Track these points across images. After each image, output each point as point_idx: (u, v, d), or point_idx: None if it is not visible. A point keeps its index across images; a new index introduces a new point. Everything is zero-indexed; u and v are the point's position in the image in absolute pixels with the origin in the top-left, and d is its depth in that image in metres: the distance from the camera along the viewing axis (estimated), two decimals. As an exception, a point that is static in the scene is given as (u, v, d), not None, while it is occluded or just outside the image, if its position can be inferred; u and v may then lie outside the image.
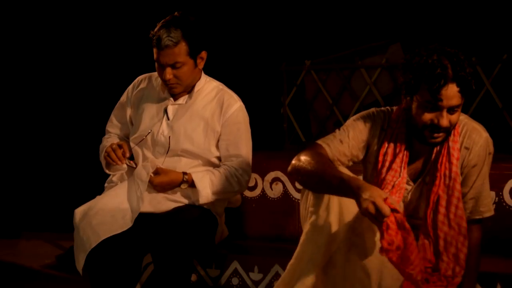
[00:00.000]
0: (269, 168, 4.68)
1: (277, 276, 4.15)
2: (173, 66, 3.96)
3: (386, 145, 3.35)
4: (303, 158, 3.24)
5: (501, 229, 4.11)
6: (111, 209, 3.90)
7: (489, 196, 3.39)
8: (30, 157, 6.86)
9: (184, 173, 4.01)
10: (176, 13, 4.02)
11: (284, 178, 4.60)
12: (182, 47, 3.94)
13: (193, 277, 4.32)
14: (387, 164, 3.33)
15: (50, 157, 6.83)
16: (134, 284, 3.98)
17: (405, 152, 3.33)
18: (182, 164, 4.07)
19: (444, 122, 3.13)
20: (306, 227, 3.25)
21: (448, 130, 3.18)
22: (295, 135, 5.75)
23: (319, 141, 3.39)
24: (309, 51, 6.10)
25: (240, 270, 4.26)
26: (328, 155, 3.33)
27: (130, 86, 4.31)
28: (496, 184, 4.14)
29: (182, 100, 4.14)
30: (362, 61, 5.51)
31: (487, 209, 3.39)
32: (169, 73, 3.96)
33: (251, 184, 4.64)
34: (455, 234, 3.29)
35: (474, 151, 3.30)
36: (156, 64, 4.01)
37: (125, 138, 4.32)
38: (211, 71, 4.29)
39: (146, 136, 4.11)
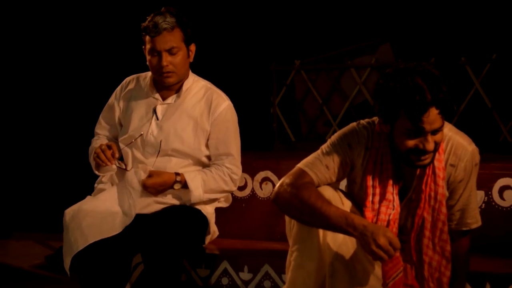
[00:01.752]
0: (258, 168, 4.67)
1: (266, 276, 4.15)
2: (170, 52, 3.98)
3: (373, 168, 3.22)
4: (290, 190, 3.15)
5: (490, 228, 4.10)
6: (102, 212, 3.89)
7: (476, 208, 3.33)
8: (20, 158, 6.84)
9: (177, 174, 4.01)
10: (163, 8, 4.04)
11: (273, 178, 4.60)
12: (178, 32, 3.99)
13: (183, 277, 4.31)
14: (377, 191, 3.22)
15: (40, 158, 6.82)
16: (123, 284, 3.98)
17: (394, 177, 3.21)
18: (173, 164, 4.07)
19: (430, 146, 3.02)
20: (293, 252, 3.24)
21: (434, 150, 3.08)
22: (285, 135, 5.75)
23: (305, 168, 3.22)
24: (299, 51, 6.10)
25: (230, 270, 4.26)
26: (314, 183, 3.20)
27: (118, 88, 4.31)
28: (486, 184, 4.14)
29: (170, 99, 4.14)
30: (352, 61, 5.52)
31: (474, 221, 3.32)
32: (166, 60, 3.97)
33: (241, 184, 4.64)
34: (439, 258, 3.23)
35: (460, 167, 3.21)
36: (149, 56, 4.01)
37: (114, 139, 4.30)
38: (201, 71, 4.29)
39: (137, 138, 4.10)
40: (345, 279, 3.18)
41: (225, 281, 4.27)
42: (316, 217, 3.08)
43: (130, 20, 5.23)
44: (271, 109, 5.71)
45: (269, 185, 4.62)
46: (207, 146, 4.13)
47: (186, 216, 3.98)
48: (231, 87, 4.49)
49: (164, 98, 4.14)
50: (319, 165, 3.23)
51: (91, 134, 4.36)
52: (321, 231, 3.16)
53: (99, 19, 6.61)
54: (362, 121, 3.30)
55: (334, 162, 3.23)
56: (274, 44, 6.40)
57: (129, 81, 4.29)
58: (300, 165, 3.26)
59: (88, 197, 4.06)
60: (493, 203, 4.15)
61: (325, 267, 3.17)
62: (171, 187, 4.00)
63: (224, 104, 4.13)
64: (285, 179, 3.20)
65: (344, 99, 5.53)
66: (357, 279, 3.20)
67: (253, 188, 4.67)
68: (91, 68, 6.65)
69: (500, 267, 3.86)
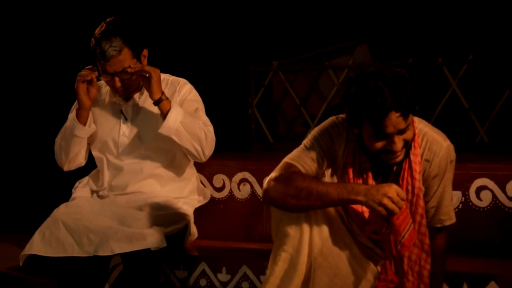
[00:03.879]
0: (237, 169, 4.66)
1: (245, 277, 4.15)
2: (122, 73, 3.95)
3: (352, 160, 3.25)
4: (282, 181, 3.13)
5: (467, 228, 4.13)
6: (81, 228, 3.83)
7: (450, 204, 3.35)
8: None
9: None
10: (108, 19, 3.99)
11: (252, 179, 4.60)
12: (126, 52, 3.92)
13: (161, 279, 4.30)
14: (359, 182, 3.23)
15: (17, 160, 6.79)
16: (102, 285, 3.97)
17: (372, 171, 3.24)
18: (147, 165, 4.07)
19: (397, 147, 3.05)
20: (278, 247, 3.21)
21: (406, 147, 3.11)
22: (263, 136, 5.75)
23: (292, 161, 3.24)
24: (277, 52, 6.11)
25: (208, 271, 4.26)
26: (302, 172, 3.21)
27: None
28: (462, 184, 4.16)
29: (135, 97, 4.12)
30: (330, 62, 5.53)
31: (448, 218, 3.34)
32: (118, 81, 3.95)
33: (219, 185, 4.64)
34: (418, 252, 3.25)
35: (435, 162, 3.23)
36: (102, 74, 3.97)
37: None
38: (179, 72, 4.28)
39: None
40: (329, 274, 3.19)
41: (203, 282, 4.26)
42: (315, 197, 3.06)
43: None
44: (249, 110, 5.72)
45: (247, 186, 4.62)
46: None
47: (166, 218, 3.98)
48: (209, 88, 4.48)
49: (127, 99, 4.13)
50: (305, 157, 3.25)
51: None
52: (309, 225, 3.15)
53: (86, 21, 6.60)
54: (341, 115, 3.32)
55: (318, 154, 3.25)
56: (252, 45, 6.40)
57: None
58: (285, 159, 3.27)
59: (77, 203, 4.01)
60: (470, 204, 4.16)
61: (310, 261, 3.17)
62: (161, 92, 3.93)
63: (187, 85, 4.16)
64: (273, 174, 3.19)
65: (322, 100, 5.54)
66: (340, 276, 3.21)
67: (231, 189, 4.67)
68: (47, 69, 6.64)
69: (477, 267, 3.88)
